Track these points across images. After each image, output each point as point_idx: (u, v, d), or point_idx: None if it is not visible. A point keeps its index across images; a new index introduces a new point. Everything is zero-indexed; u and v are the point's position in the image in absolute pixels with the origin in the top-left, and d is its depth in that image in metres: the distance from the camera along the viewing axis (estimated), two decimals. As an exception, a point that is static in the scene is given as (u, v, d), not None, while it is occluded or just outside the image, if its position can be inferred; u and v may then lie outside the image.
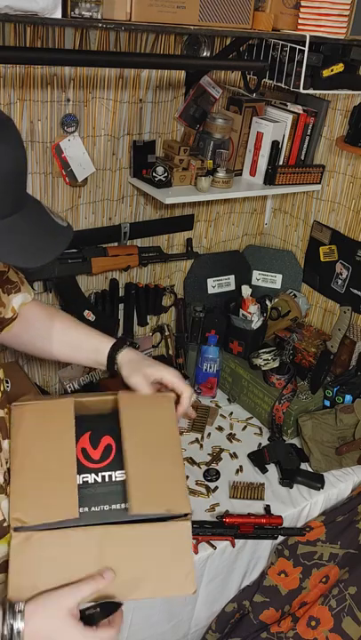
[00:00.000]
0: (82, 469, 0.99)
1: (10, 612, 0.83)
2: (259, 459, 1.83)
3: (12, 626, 0.82)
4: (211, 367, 2.07)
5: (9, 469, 0.97)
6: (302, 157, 2.03)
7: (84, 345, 1.19)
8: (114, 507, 0.97)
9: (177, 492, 1.01)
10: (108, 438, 1.02)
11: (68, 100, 1.64)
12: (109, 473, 1.00)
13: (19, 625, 0.82)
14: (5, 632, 0.82)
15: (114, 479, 0.99)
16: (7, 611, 0.83)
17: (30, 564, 0.90)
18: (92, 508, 0.96)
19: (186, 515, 0.99)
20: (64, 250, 0.85)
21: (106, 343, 1.17)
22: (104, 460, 1.01)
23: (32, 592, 0.88)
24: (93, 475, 0.99)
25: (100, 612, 0.91)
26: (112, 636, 0.89)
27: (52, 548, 0.92)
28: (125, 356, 1.15)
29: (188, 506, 1.00)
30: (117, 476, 1.00)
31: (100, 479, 0.99)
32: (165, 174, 1.76)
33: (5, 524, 0.94)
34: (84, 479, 0.98)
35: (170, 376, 1.12)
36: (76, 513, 0.94)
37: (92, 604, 0.92)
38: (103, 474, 0.99)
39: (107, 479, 0.99)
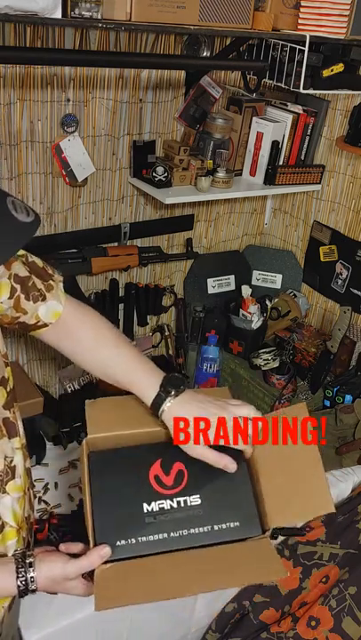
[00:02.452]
0: (156, 496, 0.99)
1: (22, 564, 0.91)
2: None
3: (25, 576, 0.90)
4: (211, 367, 2.07)
5: (9, 467, 0.98)
6: (302, 157, 2.03)
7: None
8: (193, 531, 0.98)
9: (319, 494, 1.02)
10: (180, 464, 1.02)
11: (68, 100, 1.64)
12: (184, 498, 1.00)
13: (32, 574, 0.91)
14: (19, 583, 0.90)
15: (189, 504, 1.00)
16: (19, 563, 0.91)
17: (115, 590, 0.90)
18: (172, 534, 0.97)
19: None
20: (17, 250, 0.78)
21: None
22: (177, 485, 1.01)
23: (118, 602, 0.89)
24: (169, 501, 1.00)
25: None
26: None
27: (138, 576, 0.93)
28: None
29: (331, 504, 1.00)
30: (192, 500, 1.01)
31: (175, 505, 0.99)
32: (165, 174, 1.76)
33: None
34: (160, 505, 0.99)
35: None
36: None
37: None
38: (178, 499, 1.00)
39: (182, 504, 1.00)
